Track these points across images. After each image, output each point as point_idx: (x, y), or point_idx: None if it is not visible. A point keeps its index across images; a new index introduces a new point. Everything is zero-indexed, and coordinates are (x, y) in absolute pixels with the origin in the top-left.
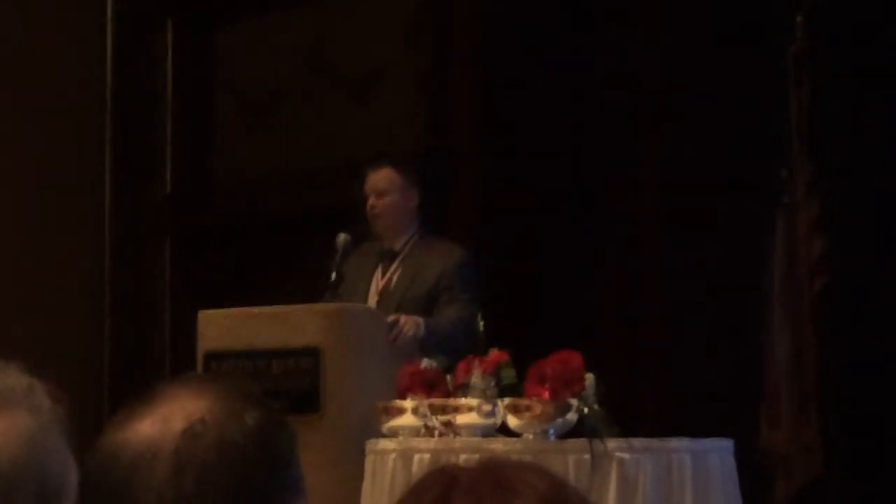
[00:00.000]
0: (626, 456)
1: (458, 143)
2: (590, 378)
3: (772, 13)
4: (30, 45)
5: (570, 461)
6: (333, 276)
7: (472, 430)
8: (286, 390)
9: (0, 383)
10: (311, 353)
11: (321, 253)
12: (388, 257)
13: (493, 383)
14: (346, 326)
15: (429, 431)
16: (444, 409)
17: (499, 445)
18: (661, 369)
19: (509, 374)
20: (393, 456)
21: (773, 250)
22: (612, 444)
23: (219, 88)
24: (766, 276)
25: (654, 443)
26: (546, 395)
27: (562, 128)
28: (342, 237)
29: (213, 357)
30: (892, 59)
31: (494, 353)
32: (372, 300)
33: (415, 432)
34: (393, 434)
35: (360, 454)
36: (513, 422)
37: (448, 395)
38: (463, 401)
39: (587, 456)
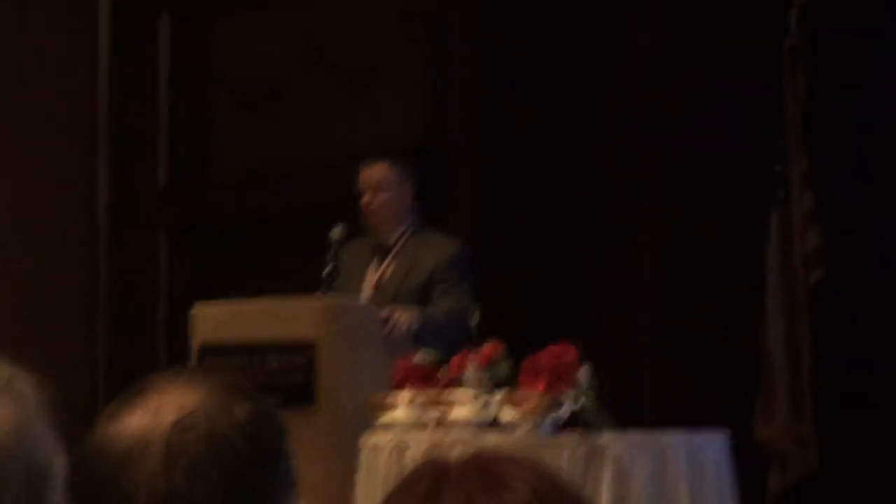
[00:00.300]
0: (620, 449)
1: (454, 137)
2: (584, 371)
3: (766, 7)
4: (25, 37)
5: (565, 455)
6: (328, 269)
7: (466, 423)
8: (280, 384)
9: None
10: (306, 347)
11: (316, 247)
12: (383, 251)
13: (487, 376)
14: (341, 320)
15: (423, 425)
16: (438, 403)
17: (493, 439)
18: (655, 363)
19: (504, 368)
20: (387, 449)
21: (768, 244)
22: (606, 437)
23: (214, 82)
24: (762, 270)
25: (649, 436)
26: (540, 388)
27: (558, 122)
28: (337, 231)
29: (208, 351)
30: (885, 52)
31: (489, 347)
32: (367, 294)
33: (409, 426)
34: (387, 428)
35: (355, 448)
36: (507, 415)
37: (442, 388)
38: (457, 394)
39: (582, 449)
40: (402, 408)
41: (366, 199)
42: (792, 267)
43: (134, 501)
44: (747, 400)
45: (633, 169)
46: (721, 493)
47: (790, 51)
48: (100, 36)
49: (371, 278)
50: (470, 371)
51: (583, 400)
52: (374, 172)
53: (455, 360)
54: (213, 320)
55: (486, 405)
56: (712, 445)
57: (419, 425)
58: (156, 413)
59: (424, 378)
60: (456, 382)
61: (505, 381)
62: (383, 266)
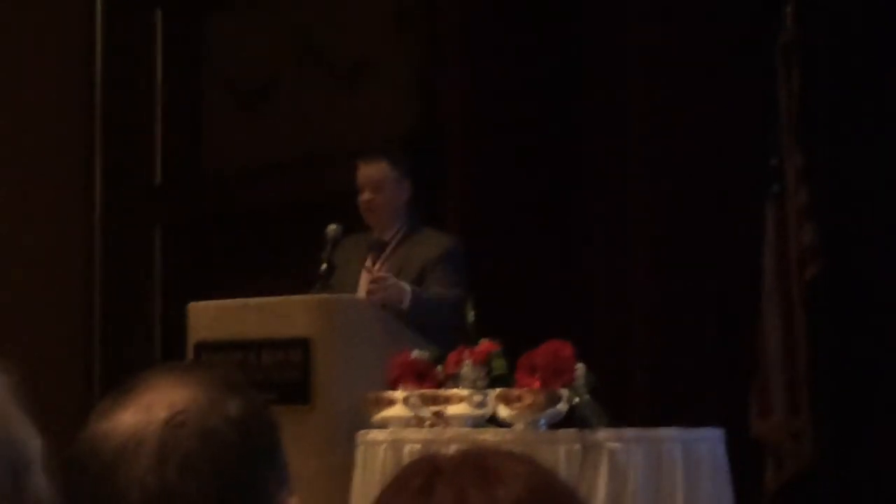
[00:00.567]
0: (616, 446)
1: (446, 132)
2: (580, 368)
3: (761, 3)
4: (17, 33)
5: (561, 451)
6: (324, 266)
7: (462, 420)
8: (276, 381)
9: None
10: (302, 344)
11: (311, 243)
12: (378, 248)
13: (483, 374)
14: (337, 317)
15: (419, 422)
16: (434, 400)
17: (489, 436)
18: (651, 359)
19: (500, 365)
20: (383, 447)
21: (764, 239)
22: (602, 434)
23: (208, 78)
24: (757, 265)
25: (645, 432)
26: (536, 385)
27: (551, 117)
28: (333, 228)
29: (204, 348)
30: (880, 47)
31: (485, 344)
32: (362, 291)
33: (405, 423)
34: (383, 425)
35: (351, 445)
36: (503, 412)
37: (438, 385)
38: (453, 391)
39: (578, 446)
40: (398, 405)
41: (364, 196)
42: (787, 261)
43: (127, 498)
44: (743, 395)
45: (627, 163)
46: (717, 489)
47: (785, 46)
48: (94, 32)
49: (366, 275)
50: (466, 368)
51: (579, 396)
52: (374, 171)
53: (451, 356)
54: (208, 317)
55: (482, 402)
56: (708, 441)
57: (415, 422)
58: (148, 409)
59: (421, 375)
60: (452, 379)
61: (501, 377)
62: (378, 263)
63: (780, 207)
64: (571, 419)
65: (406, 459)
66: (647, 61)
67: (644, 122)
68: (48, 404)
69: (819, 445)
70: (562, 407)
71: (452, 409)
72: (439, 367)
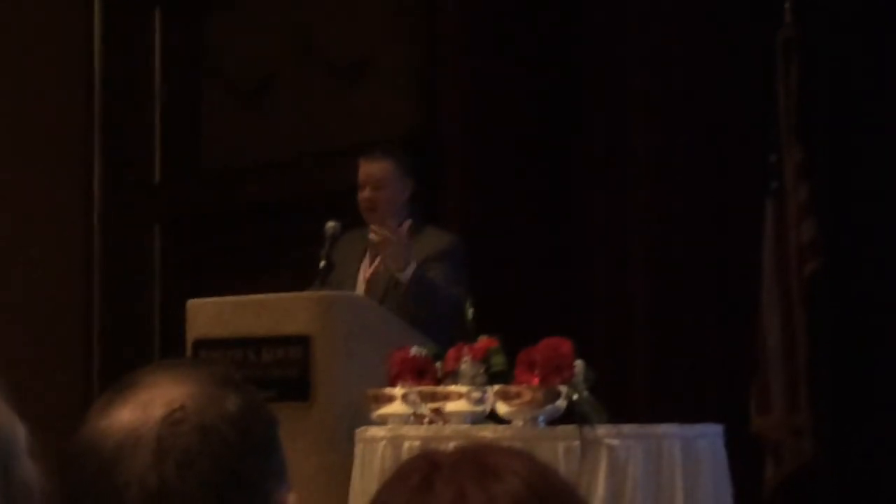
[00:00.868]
0: (615, 442)
1: (446, 130)
2: (579, 365)
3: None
4: (16, 30)
5: (560, 448)
6: (323, 263)
7: (461, 417)
8: (276, 378)
9: None
10: (301, 341)
11: (311, 240)
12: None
13: (482, 370)
14: (336, 314)
15: (418, 419)
16: (433, 397)
17: (488, 432)
18: (650, 355)
19: (499, 361)
20: (382, 444)
21: (763, 235)
22: (601, 430)
23: (208, 75)
24: (756, 261)
25: (644, 429)
26: (535, 381)
27: (551, 115)
28: (331, 225)
29: (203, 345)
30: (879, 44)
31: (484, 340)
32: (360, 288)
33: (404, 420)
34: (382, 422)
35: (350, 442)
36: (502, 409)
37: (437, 382)
38: (452, 388)
39: (577, 443)
40: (397, 402)
41: (365, 194)
42: (787, 258)
43: (126, 495)
44: (743, 392)
45: (627, 161)
46: (717, 485)
47: (784, 42)
48: (93, 31)
49: (364, 272)
50: (465, 364)
51: (578, 393)
52: (376, 169)
53: (450, 353)
54: (207, 315)
55: (481, 399)
56: (708, 438)
57: (414, 419)
58: (146, 407)
59: (420, 372)
60: (451, 376)
61: (500, 374)
62: (377, 260)
63: (779, 204)
64: (571, 416)
65: (405, 456)
66: (647, 61)
67: (644, 121)
68: (48, 401)
69: (819, 442)
70: (561, 403)
71: (451, 406)
72: (438, 364)
